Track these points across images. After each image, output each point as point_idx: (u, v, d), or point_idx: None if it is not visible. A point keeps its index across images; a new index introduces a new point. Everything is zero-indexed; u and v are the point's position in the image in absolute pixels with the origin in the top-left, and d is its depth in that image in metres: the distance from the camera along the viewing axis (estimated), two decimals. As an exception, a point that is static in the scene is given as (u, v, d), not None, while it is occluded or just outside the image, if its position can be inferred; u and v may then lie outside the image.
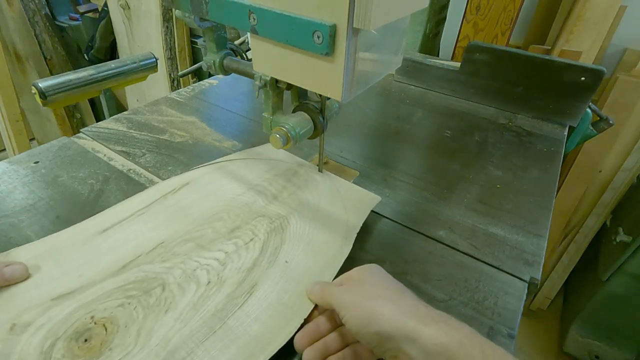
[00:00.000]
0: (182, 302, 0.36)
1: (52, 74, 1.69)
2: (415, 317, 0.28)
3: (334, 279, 0.39)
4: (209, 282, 0.38)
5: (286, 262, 0.41)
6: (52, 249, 0.41)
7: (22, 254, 0.40)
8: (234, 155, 0.58)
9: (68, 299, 0.36)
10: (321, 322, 0.35)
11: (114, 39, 1.68)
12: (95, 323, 0.34)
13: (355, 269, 0.36)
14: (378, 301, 0.30)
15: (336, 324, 0.35)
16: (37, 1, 1.61)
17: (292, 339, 0.34)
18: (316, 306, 0.36)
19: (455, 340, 0.26)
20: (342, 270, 0.40)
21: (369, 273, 0.35)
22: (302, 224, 0.47)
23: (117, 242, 0.42)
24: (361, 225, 0.47)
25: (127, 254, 0.41)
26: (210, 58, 0.50)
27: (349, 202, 0.50)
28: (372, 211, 0.51)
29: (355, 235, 0.45)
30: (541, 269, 0.45)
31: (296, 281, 0.39)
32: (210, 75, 1.00)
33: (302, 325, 0.35)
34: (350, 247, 0.44)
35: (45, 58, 1.67)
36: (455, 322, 0.28)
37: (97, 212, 0.48)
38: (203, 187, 0.51)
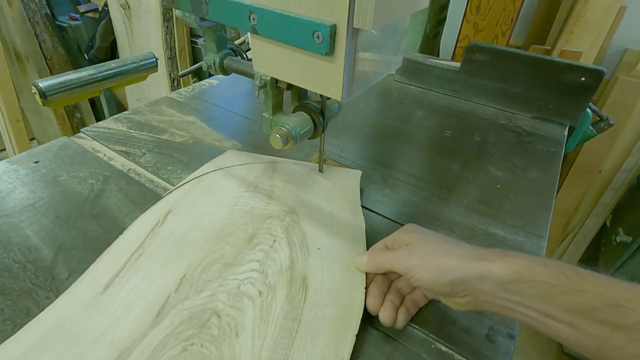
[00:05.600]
0: (247, 320, 0.35)
1: (52, 73, 1.69)
2: (481, 259, 0.32)
3: (367, 247, 0.43)
4: (260, 292, 0.38)
5: (319, 249, 0.43)
6: (52, 329, 0.34)
7: (15, 350, 0.33)
8: (200, 170, 0.55)
9: None
10: (379, 284, 0.39)
11: (114, 39, 1.68)
12: None
13: (399, 233, 0.39)
14: (445, 255, 0.34)
15: (389, 281, 0.40)
16: (37, 1, 1.61)
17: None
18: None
19: (523, 265, 0.30)
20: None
21: (421, 234, 0.38)
22: (310, 211, 0.47)
23: (132, 293, 0.37)
24: (359, 196, 0.51)
25: (153, 301, 0.37)
26: (210, 58, 0.50)
27: (338, 181, 0.53)
28: (372, 211, 0.52)
29: (360, 206, 0.49)
30: (541, 269, 0.45)
31: (337, 261, 0.41)
32: (210, 75, 1.00)
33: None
34: (363, 217, 0.48)
35: (45, 58, 1.67)
36: (513, 252, 0.32)
37: (97, 212, 0.49)
38: (189, 210, 0.47)
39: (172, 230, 0.44)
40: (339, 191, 0.51)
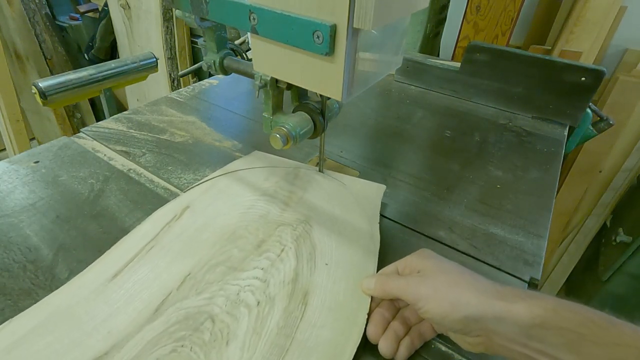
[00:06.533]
0: (240, 330, 0.34)
1: (52, 73, 1.69)
2: (500, 298, 0.29)
3: (378, 268, 0.41)
4: (258, 302, 0.37)
5: (326, 264, 0.41)
6: (58, 311, 0.35)
7: (21, 327, 0.34)
8: (222, 169, 0.55)
9: None
10: (384, 310, 0.36)
11: (114, 39, 1.68)
12: None
13: (411, 257, 0.36)
14: (459, 288, 0.31)
15: (396, 308, 0.37)
16: (37, 1, 1.61)
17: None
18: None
19: (549, 309, 0.27)
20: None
21: (436, 261, 0.35)
22: (325, 224, 0.46)
23: (137, 285, 0.38)
24: (379, 213, 0.48)
25: (155, 295, 0.37)
26: (210, 58, 0.50)
27: (358, 194, 0.51)
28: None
29: (378, 224, 0.46)
30: (541, 269, 0.45)
31: (344, 279, 0.39)
32: (210, 75, 1.00)
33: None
34: (379, 235, 0.45)
35: (45, 58, 1.67)
36: (537, 293, 0.29)
37: (97, 212, 0.49)
38: (206, 209, 0.47)
39: (186, 227, 0.45)
40: (358, 205, 0.49)
